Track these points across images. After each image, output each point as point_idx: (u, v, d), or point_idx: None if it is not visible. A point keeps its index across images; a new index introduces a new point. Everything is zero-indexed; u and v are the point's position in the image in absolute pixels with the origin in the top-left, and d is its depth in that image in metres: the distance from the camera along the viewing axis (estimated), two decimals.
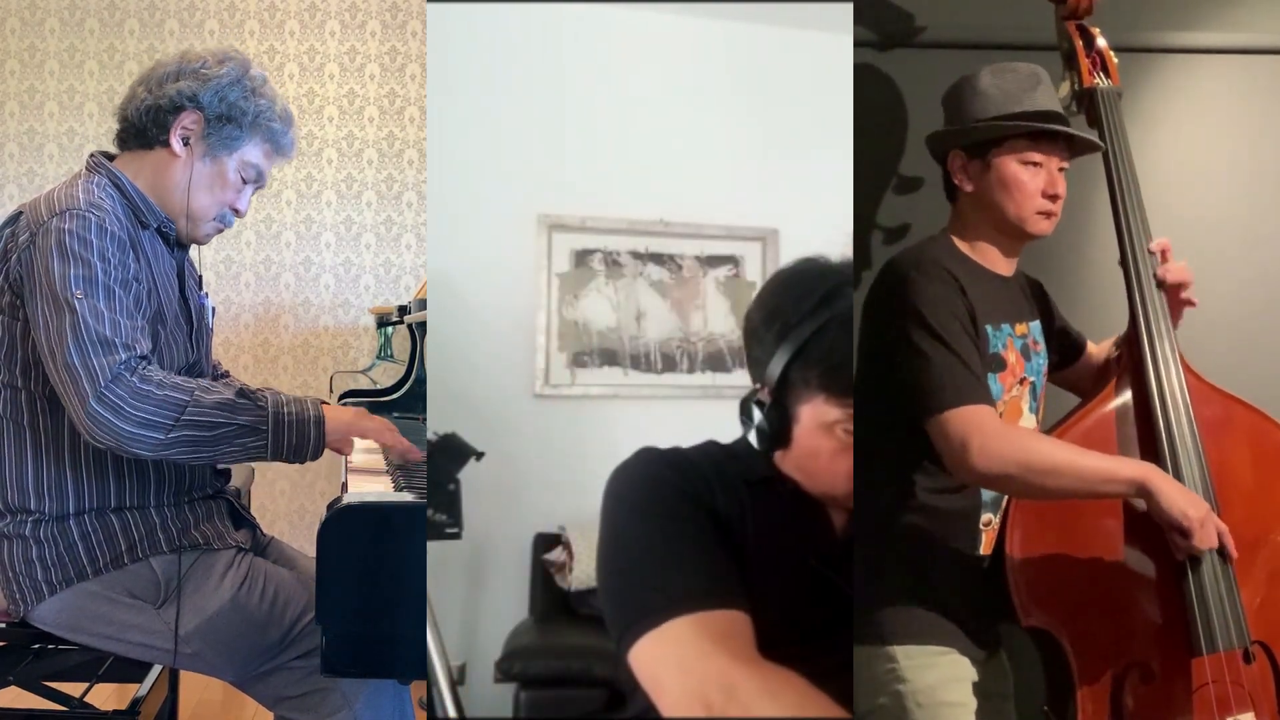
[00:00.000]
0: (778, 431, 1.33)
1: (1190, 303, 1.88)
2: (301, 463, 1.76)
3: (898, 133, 2.16)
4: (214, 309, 2.07)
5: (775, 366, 1.30)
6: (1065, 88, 1.95)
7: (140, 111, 1.85)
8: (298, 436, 1.73)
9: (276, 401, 1.73)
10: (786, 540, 1.33)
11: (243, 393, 1.73)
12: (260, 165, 1.91)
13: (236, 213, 1.93)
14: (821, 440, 1.30)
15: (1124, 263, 1.85)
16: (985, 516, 1.82)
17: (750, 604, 1.22)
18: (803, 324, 1.28)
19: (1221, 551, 1.70)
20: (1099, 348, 2.05)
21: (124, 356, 1.64)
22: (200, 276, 2.07)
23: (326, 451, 1.80)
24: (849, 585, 1.34)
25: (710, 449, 1.39)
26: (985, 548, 1.82)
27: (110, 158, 1.90)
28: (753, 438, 1.35)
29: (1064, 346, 2.04)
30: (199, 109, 1.84)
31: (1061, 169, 1.83)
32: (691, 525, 1.25)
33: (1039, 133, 1.80)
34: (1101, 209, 1.97)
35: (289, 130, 1.94)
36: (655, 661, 1.15)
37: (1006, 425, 1.75)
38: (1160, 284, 1.84)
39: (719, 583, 1.20)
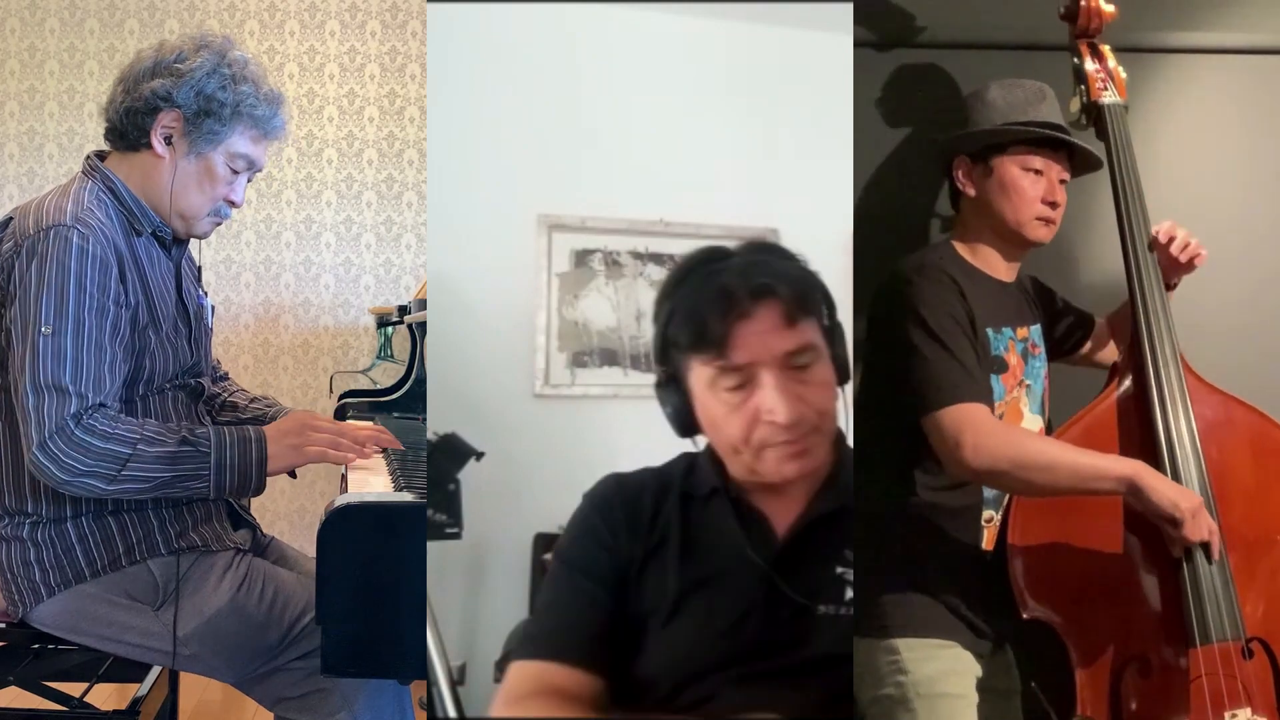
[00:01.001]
0: (679, 410, 1.35)
1: (1199, 257, 1.89)
2: (243, 498, 1.77)
3: (958, 127, 2.19)
4: (213, 307, 2.05)
5: (655, 342, 1.34)
6: (1076, 103, 2.01)
7: (120, 114, 1.82)
8: (239, 478, 1.73)
9: (220, 444, 1.72)
10: (726, 551, 1.34)
11: (186, 440, 1.71)
12: (249, 154, 1.86)
13: (232, 204, 1.89)
14: (711, 405, 1.31)
15: (1127, 269, 1.87)
16: (987, 513, 1.84)
17: (698, 621, 1.30)
18: (668, 295, 1.32)
19: (1206, 550, 1.70)
20: (1110, 318, 2.10)
21: (74, 407, 1.64)
22: (199, 269, 2.06)
23: None
24: (801, 586, 1.30)
25: (672, 467, 1.41)
26: (987, 544, 1.84)
27: (104, 156, 1.88)
28: (671, 425, 1.37)
29: (1073, 329, 2.08)
30: (176, 107, 1.79)
31: (1062, 180, 1.87)
32: (587, 583, 1.35)
33: (1041, 140, 1.84)
34: (1103, 215, 1.98)
35: (277, 112, 1.88)
36: (502, 687, 1.31)
37: (1000, 423, 1.79)
38: (1154, 249, 1.87)
39: (581, 644, 1.32)
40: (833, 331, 1.33)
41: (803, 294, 1.29)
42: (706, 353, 1.28)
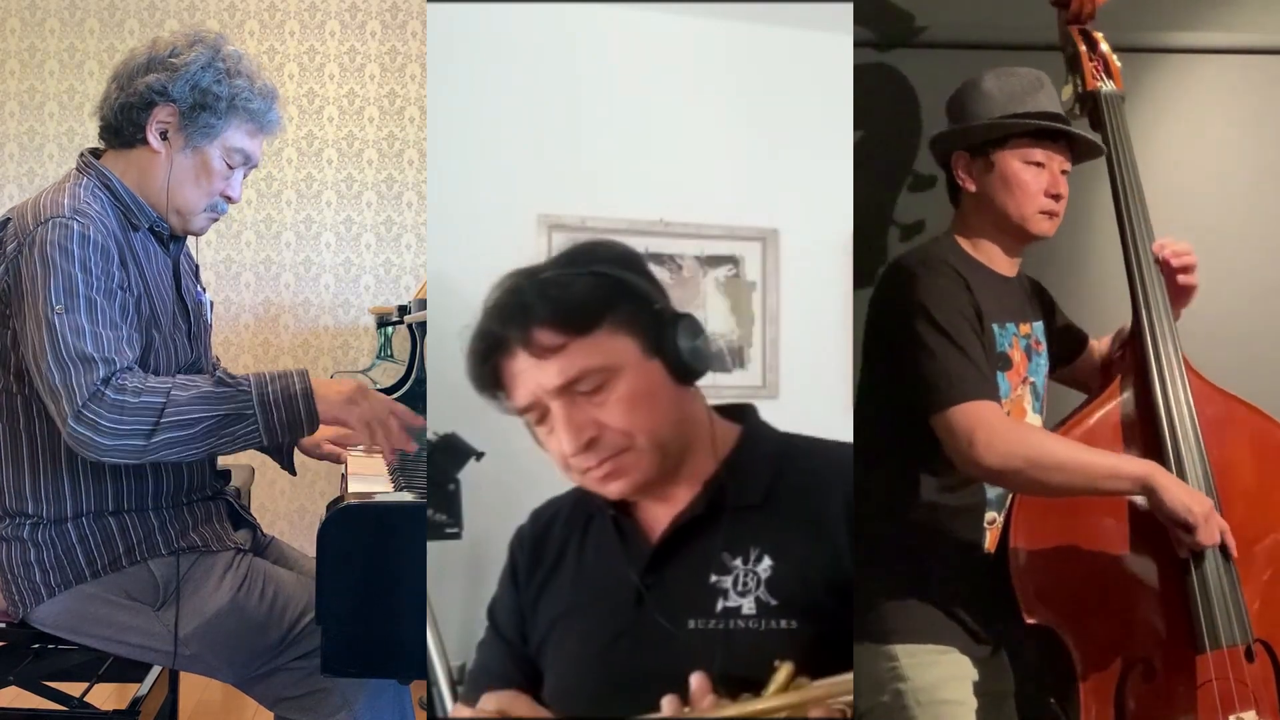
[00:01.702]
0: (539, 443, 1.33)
1: (1192, 286, 1.87)
2: (298, 438, 1.72)
3: (913, 131, 2.16)
4: (211, 304, 2.05)
5: None
6: (1069, 91, 1.96)
7: (115, 110, 1.82)
8: (288, 413, 1.68)
9: (260, 382, 1.68)
10: (605, 569, 1.32)
11: (221, 381, 1.68)
12: (246, 148, 1.85)
13: (229, 199, 1.88)
14: (548, 446, 1.29)
15: (1127, 264, 1.86)
16: (989, 515, 1.83)
17: (577, 645, 1.31)
18: None
19: (1223, 550, 1.70)
20: (1100, 343, 2.06)
21: (103, 373, 1.62)
22: (197, 266, 2.05)
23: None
24: (672, 601, 1.26)
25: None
26: (989, 546, 1.83)
27: (99, 154, 1.88)
28: None
29: (1067, 343, 2.04)
30: (171, 101, 1.79)
31: (1064, 171, 1.84)
32: (495, 630, 1.43)
33: (1041, 132, 1.81)
34: (1102, 209, 1.97)
35: (272, 106, 1.87)
36: None
37: (1012, 421, 1.76)
38: (1158, 262, 1.84)
39: (488, 686, 1.37)
40: (658, 328, 1.26)
41: (562, 317, 1.22)
42: (497, 399, 1.27)
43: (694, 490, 1.29)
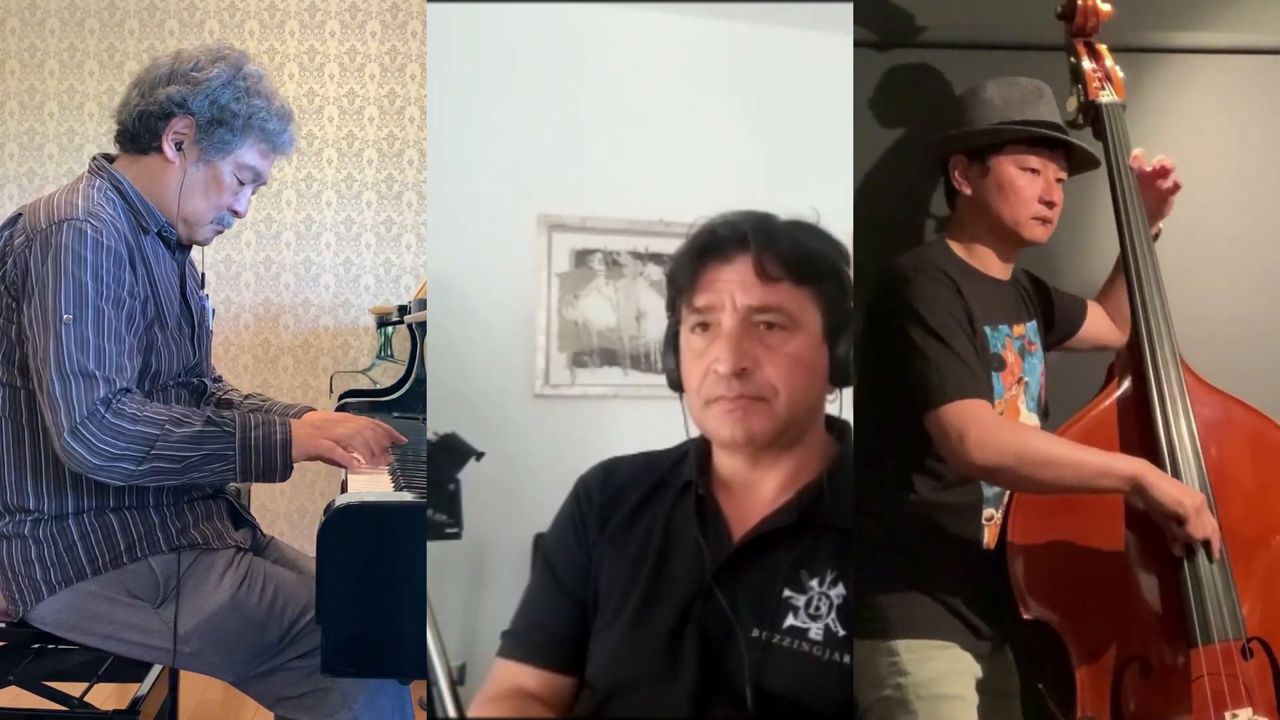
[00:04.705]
0: (670, 359, 1.33)
1: (1176, 187, 1.98)
2: (271, 482, 1.77)
3: (952, 125, 2.17)
4: (214, 310, 2.06)
5: (667, 292, 1.34)
6: (1073, 102, 2.00)
7: (133, 117, 1.84)
8: (265, 459, 1.73)
9: (245, 425, 1.73)
10: (680, 553, 1.29)
11: (211, 420, 1.72)
12: (257, 166, 1.89)
13: (235, 214, 1.91)
14: (684, 352, 1.29)
15: (1126, 269, 1.87)
16: (987, 512, 1.84)
17: (635, 626, 1.27)
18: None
19: (1208, 548, 1.71)
20: (1102, 298, 2.12)
21: (103, 392, 1.65)
22: (202, 275, 2.07)
23: None
24: (741, 604, 1.23)
25: (668, 454, 1.39)
26: (988, 542, 1.84)
27: (111, 159, 1.90)
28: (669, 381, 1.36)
29: (1068, 318, 2.08)
30: (189, 114, 1.82)
31: (1059, 179, 1.87)
32: (558, 582, 1.36)
33: (1038, 140, 1.84)
34: (1100, 213, 1.98)
35: (287, 128, 1.91)
36: (484, 684, 1.37)
37: (1003, 419, 1.79)
38: (1139, 176, 1.93)
39: (550, 648, 1.35)
40: (835, 327, 1.27)
41: (796, 260, 1.25)
42: (681, 293, 1.28)
43: (784, 486, 1.28)
